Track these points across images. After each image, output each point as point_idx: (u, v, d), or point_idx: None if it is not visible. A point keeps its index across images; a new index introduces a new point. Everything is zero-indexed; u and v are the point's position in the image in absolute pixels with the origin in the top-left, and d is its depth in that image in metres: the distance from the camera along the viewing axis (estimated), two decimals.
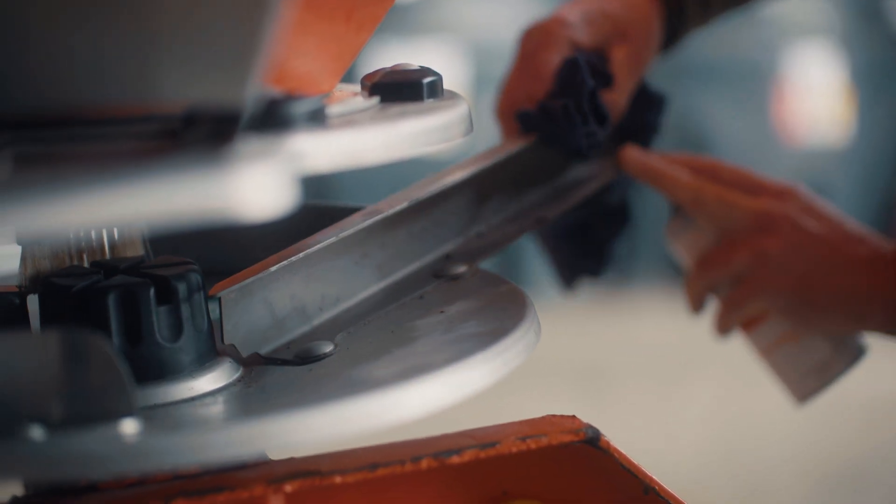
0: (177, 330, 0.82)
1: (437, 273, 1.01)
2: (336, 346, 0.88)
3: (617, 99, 1.21)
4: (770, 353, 1.18)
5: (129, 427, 0.71)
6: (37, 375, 0.71)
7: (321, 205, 1.01)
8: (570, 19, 1.20)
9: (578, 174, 1.20)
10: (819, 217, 1.16)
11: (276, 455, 0.82)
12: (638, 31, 1.26)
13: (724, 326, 1.22)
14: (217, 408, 0.80)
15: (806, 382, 1.15)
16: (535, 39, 1.20)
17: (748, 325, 1.20)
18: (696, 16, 1.33)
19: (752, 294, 1.17)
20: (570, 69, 1.16)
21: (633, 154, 1.21)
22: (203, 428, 0.74)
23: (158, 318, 0.81)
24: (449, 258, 1.03)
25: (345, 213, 0.99)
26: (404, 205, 0.99)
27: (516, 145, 1.12)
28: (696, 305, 1.23)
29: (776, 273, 1.15)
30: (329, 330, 0.91)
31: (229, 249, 0.99)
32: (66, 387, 0.71)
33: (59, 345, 0.71)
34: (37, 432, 0.69)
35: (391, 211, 0.97)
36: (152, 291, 0.81)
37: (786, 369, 1.17)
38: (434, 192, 1.02)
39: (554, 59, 1.18)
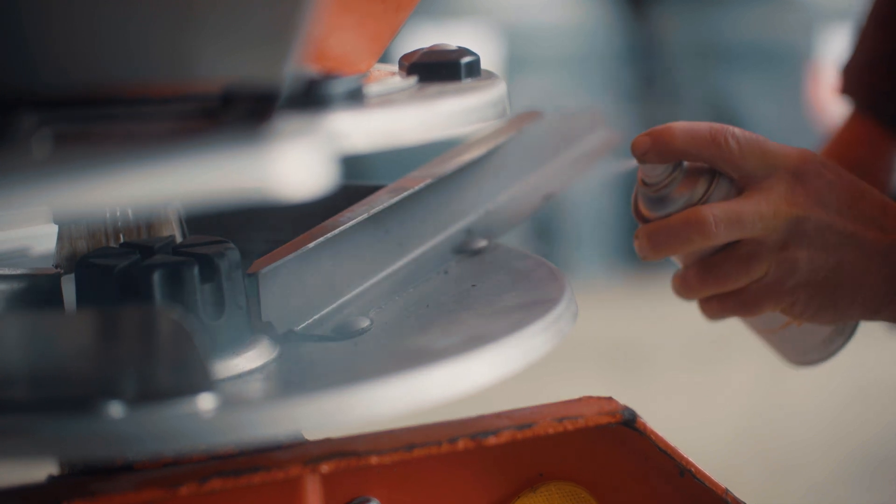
0: (219, 308, 0.82)
1: (457, 248, 1.01)
2: (372, 321, 0.88)
3: None
4: (769, 335, 1.13)
5: (207, 402, 0.70)
6: (110, 352, 0.70)
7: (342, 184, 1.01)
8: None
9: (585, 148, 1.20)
10: (837, 193, 1.01)
11: (311, 435, 0.82)
12: (885, 175, 1.39)
13: (719, 315, 1.05)
14: (272, 383, 0.80)
15: (806, 357, 1.13)
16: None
17: None
18: None
19: (770, 303, 1.02)
20: None
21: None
22: (275, 402, 0.74)
23: (202, 296, 0.81)
24: (466, 233, 1.03)
25: (362, 191, 0.99)
26: (429, 181, 0.99)
27: (525, 123, 1.13)
28: (713, 314, 1.05)
29: (802, 283, 1.01)
30: (358, 306, 0.91)
31: (243, 228, 0.99)
32: (141, 363, 0.70)
33: (134, 321, 0.70)
34: (115, 409, 0.69)
35: (417, 187, 0.98)
36: (196, 269, 0.81)
37: (786, 347, 1.13)
38: (451, 169, 1.02)
39: None
